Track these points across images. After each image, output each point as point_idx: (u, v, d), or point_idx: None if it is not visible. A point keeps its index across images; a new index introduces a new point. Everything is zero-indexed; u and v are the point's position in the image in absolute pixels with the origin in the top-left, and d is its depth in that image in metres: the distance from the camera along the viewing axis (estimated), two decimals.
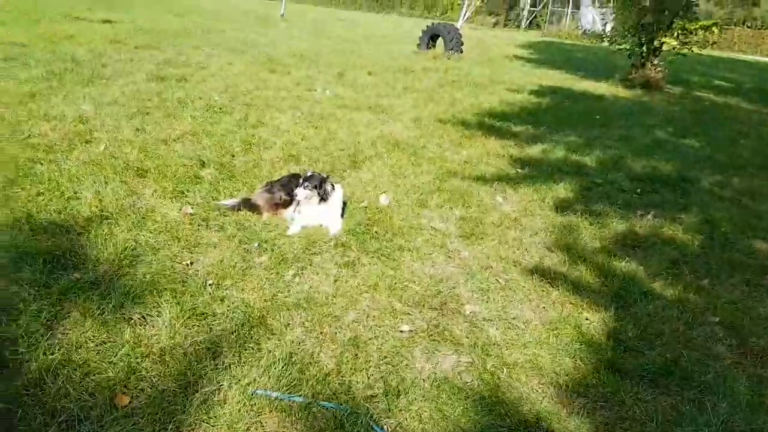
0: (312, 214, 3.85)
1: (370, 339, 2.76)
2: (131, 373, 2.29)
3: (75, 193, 3.81)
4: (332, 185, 3.92)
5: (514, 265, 3.70)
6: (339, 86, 9.22)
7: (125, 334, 2.51)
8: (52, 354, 2.32)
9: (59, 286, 2.76)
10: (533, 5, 43.05)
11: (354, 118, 7.12)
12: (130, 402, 2.16)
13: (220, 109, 6.56)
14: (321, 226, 3.86)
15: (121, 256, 3.12)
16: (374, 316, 2.96)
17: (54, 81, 6.81)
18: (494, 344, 2.84)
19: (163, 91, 7.03)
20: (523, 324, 3.05)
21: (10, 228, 3.21)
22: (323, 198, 3.82)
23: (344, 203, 4.07)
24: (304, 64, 11.13)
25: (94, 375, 2.26)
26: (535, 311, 3.20)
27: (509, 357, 2.76)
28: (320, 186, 3.81)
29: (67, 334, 2.46)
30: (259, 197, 4.03)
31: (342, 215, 4.00)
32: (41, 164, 4.19)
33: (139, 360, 2.38)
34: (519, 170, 5.80)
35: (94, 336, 2.47)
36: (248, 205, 3.95)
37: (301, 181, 3.83)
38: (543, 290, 3.43)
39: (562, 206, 4.80)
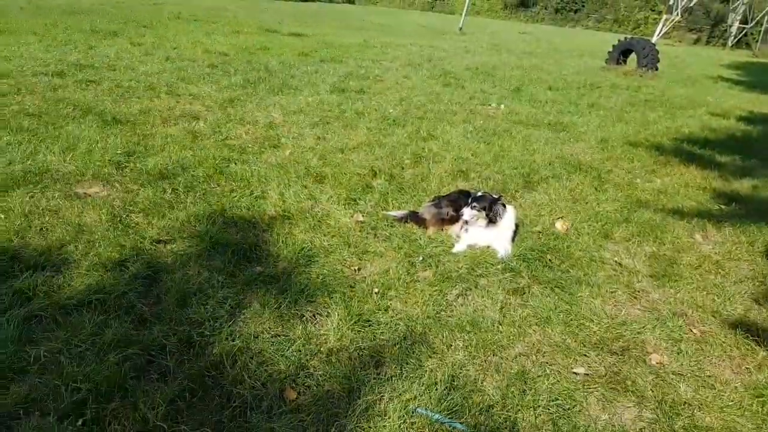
0: (480, 235, 3.79)
1: (539, 376, 2.61)
2: (300, 369, 2.46)
3: (262, 192, 4.25)
4: (503, 206, 3.82)
5: (713, 316, 3.27)
6: (515, 101, 9.07)
7: (297, 329, 2.71)
8: (233, 340, 2.57)
9: (244, 276, 3.08)
10: (743, 22, 38.14)
11: (530, 135, 6.92)
12: (297, 397, 2.31)
13: (394, 121, 6.86)
14: (489, 247, 3.79)
15: (299, 255, 3.38)
16: (545, 352, 2.79)
17: (249, 88, 7.78)
18: (684, 403, 2.53)
19: (343, 102, 7.58)
20: (720, 384, 2.68)
21: (207, 219, 3.67)
22: (492, 220, 3.73)
23: (516, 226, 3.94)
24: (480, 78, 11.18)
25: (267, 366, 2.45)
26: (736, 371, 2.80)
27: (702, 420, 2.44)
28: (490, 208, 3.73)
29: (247, 322, 2.72)
30: (426, 211, 4.08)
31: (513, 239, 3.87)
32: (235, 164, 4.76)
33: (308, 357, 2.54)
34: (723, 207, 5.15)
35: (270, 328, 2.70)
36: (415, 218, 4.04)
37: (470, 200, 3.80)
38: (747, 348, 2.98)
39: None
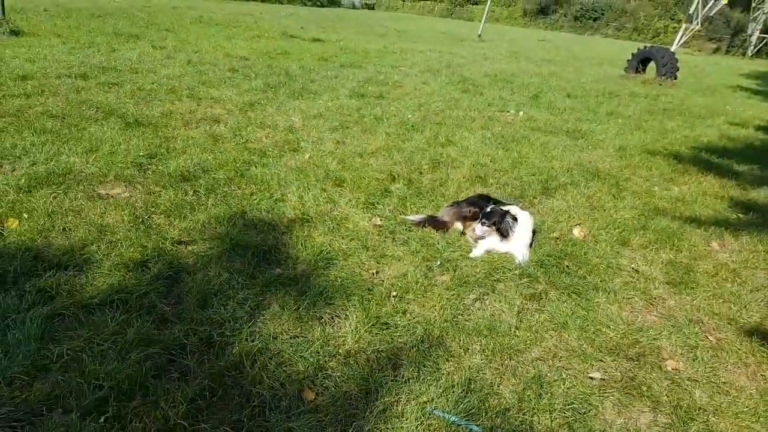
0: (498, 240, 3.79)
1: (555, 381, 2.60)
2: (319, 370, 2.47)
3: (282, 195, 4.29)
4: (514, 218, 3.79)
5: (729, 323, 3.26)
6: (533, 108, 9.04)
7: (316, 331, 2.72)
8: (253, 341, 2.60)
9: (264, 278, 3.11)
10: (764, 31, 37.72)
11: (548, 142, 6.89)
12: (315, 398, 2.33)
13: (413, 126, 6.87)
14: (507, 253, 3.78)
15: (318, 257, 3.40)
16: (561, 357, 2.79)
17: (270, 92, 7.86)
18: (699, 408, 2.53)
19: (363, 107, 7.62)
20: (735, 391, 2.68)
21: (228, 221, 3.72)
22: (504, 234, 3.74)
23: (534, 232, 3.93)
24: (498, 84, 11.17)
25: (285, 366, 2.47)
26: (751, 378, 2.80)
27: (716, 425, 2.44)
28: (500, 222, 3.74)
29: (267, 323, 2.74)
30: (446, 213, 4.11)
31: (531, 245, 3.87)
32: (255, 167, 4.81)
33: (326, 359, 2.55)
34: (741, 215, 5.12)
35: (289, 329, 2.72)
36: (434, 222, 4.05)
37: (480, 216, 3.82)
38: (763, 356, 2.98)
39: None
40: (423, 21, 39.64)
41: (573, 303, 3.28)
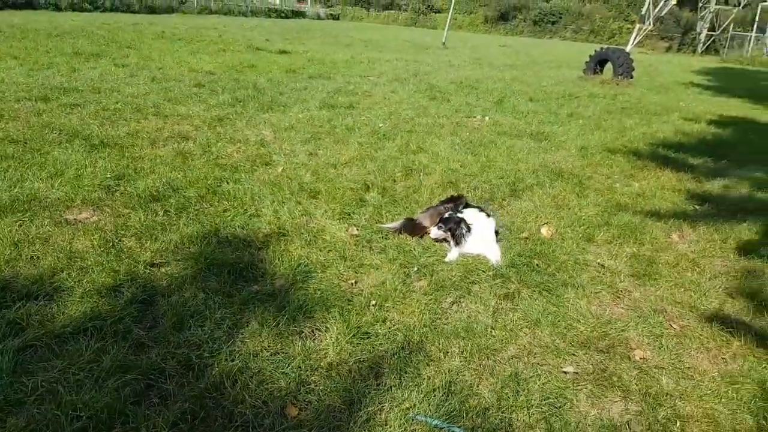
0: (471, 244, 3.85)
1: (531, 377, 2.66)
2: (301, 385, 2.46)
3: (256, 210, 4.24)
4: (468, 227, 3.87)
5: (691, 311, 3.41)
6: (498, 113, 9.20)
7: (297, 346, 2.71)
8: (233, 360, 2.55)
9: (241, 296, 3.07)
10: (711, 29, 39.40)
11: (514, 145, 7.02)
12: (298, 413, 2.31)
13: (384, 135, 6.92)
14: (479, 255, 3.84)
15: (296, 271, 3.38)
16: (536, 354, 2.85)
17: (238, 107, 7.78)
18: (666, 394, 2.64)
19: (333, 118, 7.63)
20: (699, 375, 2.81)
21: (201, 240, 3.65)
22: (457, 242, 3.84)
23: (496, 233, 4.04)
24: (464, 91, 11.32)
25: (267, 384, 2.44)
26: (712, 362, 2.93)
27: (683, 409, 2.55)
28: (455, 228, 3.85)
29: (246, 342, 2.70)
30: (424, 217, 4.18)
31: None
32: (227, 183, 4.74)
33: (308, 373, 2.54)
34: (697, 207, 5.35)
35: (269, 346, 2.69)
36: (411, 226, 4.09)
37: (438, 221, 3.96)
38: (722, 340, 3.12)
39: (745, 248, 4.35)
40: (388, 30, 39.89)
41: (544, 300, 3.36)
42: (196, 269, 3.31)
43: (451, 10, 28.79)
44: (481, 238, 3.87)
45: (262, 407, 2.32)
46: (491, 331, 3.00)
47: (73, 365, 2.42)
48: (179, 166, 5.05)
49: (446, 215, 3.97)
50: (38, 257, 3.25)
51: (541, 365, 2.77)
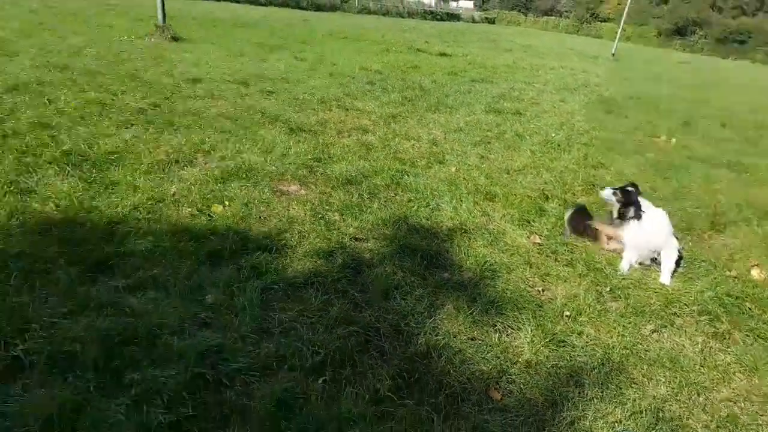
0: (638, 244, 3.84)
1: (750, 424, 2.54)
2: (502, 374, 2.62)
3: (437, 205, 4.51)
4: (639, 209, 3.83)
5: None
6: (686, 135, 8.66)
7: (493, 337, 2.88)
8: (436, 335, 2.82)
9: (434, 280, 3.33)
10: None
11: (709, 173, 6.59)
12: (501, 398, 2.48)
13: (558, 145, 6.90)
14: (651, 265, 3.90)
15: (482, 268, 3.56)
16: (754, 402, 2.71)
17: (408, 105, 8.22)
18: None
19: (501, 123, 7.76)
20: None
21: (393, 224, 4.00)
22: (621, 216, 3.86)
23: (679, 257, 3.91)
24: (643, 108, 10.83)
25: (469, 364, 2.65)
26: None
27: None
28: (626, 201, 3.84)
29: (444, 322, 2.95)
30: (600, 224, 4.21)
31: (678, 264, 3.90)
32: (408, 176, 5.08)
33: (507, 365, 2.70)
34: None
35: (465, 330, 2.91)
36: (589, 228, 4.18)
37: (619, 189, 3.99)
38: None
39: None
40: (547, 36, 39.05)
41: (760, 348, 3.16)
42: (392, 249, 3.64)
43: (622, 20, 27.44)
44: (659, 227, 3.82)
45: (467, 383, 2.53)
46: (700, 368, 2.91)
47: (306, 310, 2.87)
48: (364, 155, 5.50)
49: (628, 187, 3.97)
50: (265, 218, 3.83)
51: (762, 415, 2.63)
